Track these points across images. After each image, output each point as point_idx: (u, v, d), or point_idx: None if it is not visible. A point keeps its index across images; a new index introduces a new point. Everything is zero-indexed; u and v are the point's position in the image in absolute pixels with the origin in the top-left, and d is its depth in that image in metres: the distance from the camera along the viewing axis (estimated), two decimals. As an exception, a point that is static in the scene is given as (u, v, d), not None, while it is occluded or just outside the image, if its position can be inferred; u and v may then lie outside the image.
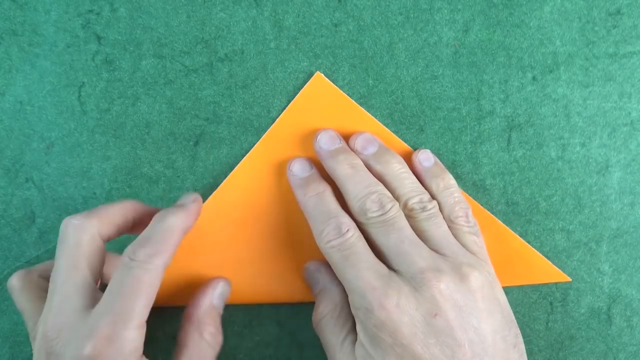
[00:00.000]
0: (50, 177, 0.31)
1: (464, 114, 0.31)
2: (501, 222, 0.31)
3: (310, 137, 0.30)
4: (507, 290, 0.31)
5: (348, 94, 0.31)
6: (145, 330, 0.24)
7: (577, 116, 0.31)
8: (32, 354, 0.31)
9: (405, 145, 0.31)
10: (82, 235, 0.25)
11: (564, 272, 0.31)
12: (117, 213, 0.27)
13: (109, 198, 0.31)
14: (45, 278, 0.27)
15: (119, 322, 0.23)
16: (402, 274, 0.25)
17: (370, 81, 0.31)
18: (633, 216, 0.31)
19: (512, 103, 0.31)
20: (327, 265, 0.29)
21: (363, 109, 0.31)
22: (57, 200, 0.31)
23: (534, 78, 0.31)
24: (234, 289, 0.30)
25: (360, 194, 0.27)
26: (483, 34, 0.31)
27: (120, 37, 0.31)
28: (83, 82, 0.31)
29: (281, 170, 0.30)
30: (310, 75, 0.31)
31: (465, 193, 0.31)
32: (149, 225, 0.26)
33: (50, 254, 0.31)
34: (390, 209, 0.26)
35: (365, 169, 0.28)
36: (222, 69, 0.31)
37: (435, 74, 0.31)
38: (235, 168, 0.31)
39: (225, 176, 0.31)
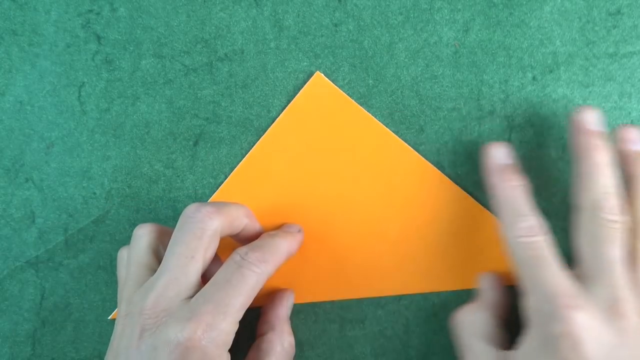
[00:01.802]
0: (50, 177, 0.31)
1: (464, 114, 0.31)
2: (501, 222, 0.31)
3: (310, 137, 0.30)
4: (507, 290, 0.31)
5: (348, 94, 0.31)
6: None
7: (577, 116, 0.31)
8: (32, 353, 0.31)
9: (406, 145, 0.31)
10: (208, 227, 0.25)
11: (563, 272, 0.31)
12: (238, 215, 0.27)
13: (109, 198, 0.31)
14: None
15: (220, 312, 0.23)
16: (597, 293, 0.24)
17: (370, 81, 0.31)
18: (633, 216, 0.31)
19: (512, 103, 0.31)
20: (494, 275, 0.29)
21: (363, 108, 0.31)
22: (57, 200, 0.31)
23: (534, 78, 0.31)
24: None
25: (600, 191, 0.25)
26: (483, 34, 0.31)
27: (120, 37, 0.31)
28: (83, 82, 0.31)
29: (281, 170, 0.30)
30: (310, 75, 0.31)
31: (465, 193, 0.31)
32: (260, 239, 0.27)
33: (51, 253, 0.31)
34: (620, 218, 0.25)
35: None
36: (222, 68, 0.31)
37: (435, 74, 0.31)
38: (236, 168, 0.31)
39: (226, 176, 0.31)
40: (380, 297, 0.31)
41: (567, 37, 0.31)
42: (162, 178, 0.31)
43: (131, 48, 0.31)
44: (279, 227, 0.30)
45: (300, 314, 0.31)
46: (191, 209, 0.26)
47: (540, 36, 0.31)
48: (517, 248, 0.25)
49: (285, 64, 0.31)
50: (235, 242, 0.29)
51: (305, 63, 0.31)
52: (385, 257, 0.30)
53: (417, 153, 0.31)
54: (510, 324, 0.28)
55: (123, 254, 0.28)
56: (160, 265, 0.25)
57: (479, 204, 0.31)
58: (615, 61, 0.31)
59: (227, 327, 0.24)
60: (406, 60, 0.31)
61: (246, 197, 0.30)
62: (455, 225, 0.30)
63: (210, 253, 0.26)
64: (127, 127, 0.31)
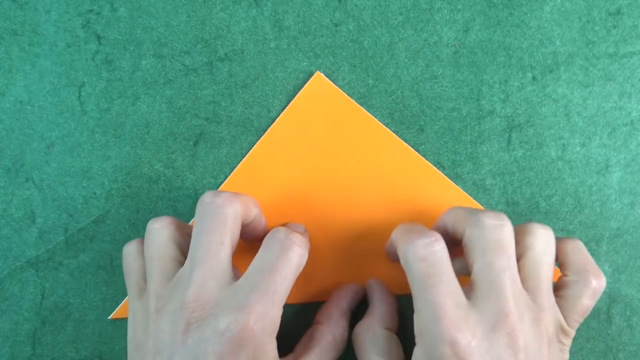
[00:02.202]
0: (50, 177, 0.31)
1: (464, 114, 0.31)
2: (501, 222, 0.31)
3: (310, 136, 0.30)
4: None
5: (348, 94, 0.31)
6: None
7: (577, 116, 0.31)
8: (32, 353, 0.31)
9: (406, 145, 0.31)
10: (230, 212, 0.25)
11: (564, 272, 0.31)
12: (250, 202, 0.27)
13: (109, 198, 0.31)
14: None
15: (269, 300, 0.23)
16: (484, 307, 0.23)
17: (370, 81, 0.31)
18: (633, 216, 0.31)
19: (512, 103, 0.31)
20: (381, 283, 0.29)
21: (363, 108, 0.31)
22: (57, 200, 0.31)
23: (534, 78, 0.31)
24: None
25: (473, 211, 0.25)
26: (483, 34, 0.31)
27: (120, 37, 0.31)
28: (83, 82, 0.31)
29: (281, 170, 0.30)
30: (310, 75, 0.31)
31: (465, 193, 0.31)
32: (292, 225, 0.28)
33: (51, 253, 0.31)
34: (507, 225, 0.24)
35: None
36: (222, 68, 0.31)
37: (435, 74, 0.31)
38: (236, 168, 0.31)
39: (226, 176, 0.31)
40: (380, 297, 0.31)
41: (567, 37, 0.31)
42: (162, 178, 0.31)
43: (131, 48, 0.31)
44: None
45: (300, 314, 0.31)
46: (208, 195, 0.25)
47: (540, 36, 0.31)
48: (413, 263, 0.23)
49: (285, 64, 0.31)
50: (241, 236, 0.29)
51: (305, 63, 0.31)
52: (385, 257, 0.30)
53: (417, 153, 0.31)
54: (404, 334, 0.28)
55: (131, 248, 0.27)
56: (189, 256, 0.25)
57: (479, 204, 0.31)
58: (615, 61, 0.31)
59: (275, 313, 0.24)
60: (406, 60, 0.31)
61: (246, 197, 0.30)
62: (455, 225, 0.30)
63: (235, 238, 0.25)
64: (127, 127, 0.31)
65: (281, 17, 0.31)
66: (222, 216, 0.25)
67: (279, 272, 0.24)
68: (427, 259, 0.23)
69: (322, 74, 0.31)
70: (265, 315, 0.23)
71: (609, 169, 0.31)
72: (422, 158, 0.31)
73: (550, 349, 0.24)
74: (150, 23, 0.31)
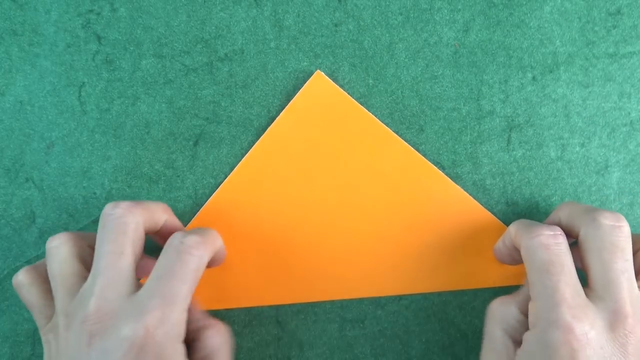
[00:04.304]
0: (50, 177, 0.31)
1: (464, 114, 0.31)
2: (501, 222, 0.31)
3: (310, 136, 0.30)
4: (508, 289, 0.31)
5: (348, 94, 0.31)
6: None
7: (576, 116, 0.31)
8: (32, 353, 0.31)
9: (406, 144, 0.31)
10: (130, 221, 0.25)
11: (563, 271, 0.31)
12: (157, 209, 0.27)
13: (109, 198, 0.31)
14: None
15: (168, 304, 0.23)
16: (601, 306, 0.23)
17: (370, 81, 0.31)
18: (632, 216, 0.31)
19: (512, 103, 0.31)
20: None
21: (363, 107, 0.31)
22: (57, 200, 0.31)
23: (534, 78, 0.31)
24: (234, 291, 0.30)
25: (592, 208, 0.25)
26: (483, 34, 0.31)
27: (120, 37, 0.31)
28: (83, 82, 0.31)
29: (281, 169, 0.30)
30: (310, 75, 0.31)
31: (465, 193, 0.31)
32: (193, 228, 0.27)
33: (51, 253, 0.31)
34: (625, 226, 0.24)
35: None
36: (222, 68, 0.31)
37: (435, 74, 0.31)
38: (236, 168, 0.31)
39: (226, 176, 0.31)
40: (380, 297, 0.31)
41: (567, 37, 0.31)
42: (162, 178, 0.31)
43: (131, 48, 0.31)
44: (278, 228, 0.30)
45: (300, 314, 0.31)
46: (109, 206, 0.25)
47: (540, 36, 0.31)
48: (534, 249, 0.24)
49: (285, 64, 0.31)
50: (156, 240, 0.29)
51: (305, 63, 0.31)
52: (385, 257, 0.30)
53: (417, 153, 0.31)
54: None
55: (21, 279, 0.26)
56: (92, 268, 0.25)
57: (479, 204, 0.31)
58: (615, 61, 0.31)
59: (177, 317, 0.23)
60: (406, 60, 0.31)
61: (246, 196, 0.30)
62: (455, 225, 0.31)
63: (138, 247, 0.25)
64: (127, 127, 0.31)
65: (281, 17, 0.31)
66: (122, 226, 0.25)
67: (176, 277, 0.24)
68: (551, 247, 0.24)
69: (323, 73, 0.31)
70: (166, 320, 0.23)
71: (608, 169, 0.31)
72: (422, 158, 0.31)
73: None
74: (150, 23, 0.31)
